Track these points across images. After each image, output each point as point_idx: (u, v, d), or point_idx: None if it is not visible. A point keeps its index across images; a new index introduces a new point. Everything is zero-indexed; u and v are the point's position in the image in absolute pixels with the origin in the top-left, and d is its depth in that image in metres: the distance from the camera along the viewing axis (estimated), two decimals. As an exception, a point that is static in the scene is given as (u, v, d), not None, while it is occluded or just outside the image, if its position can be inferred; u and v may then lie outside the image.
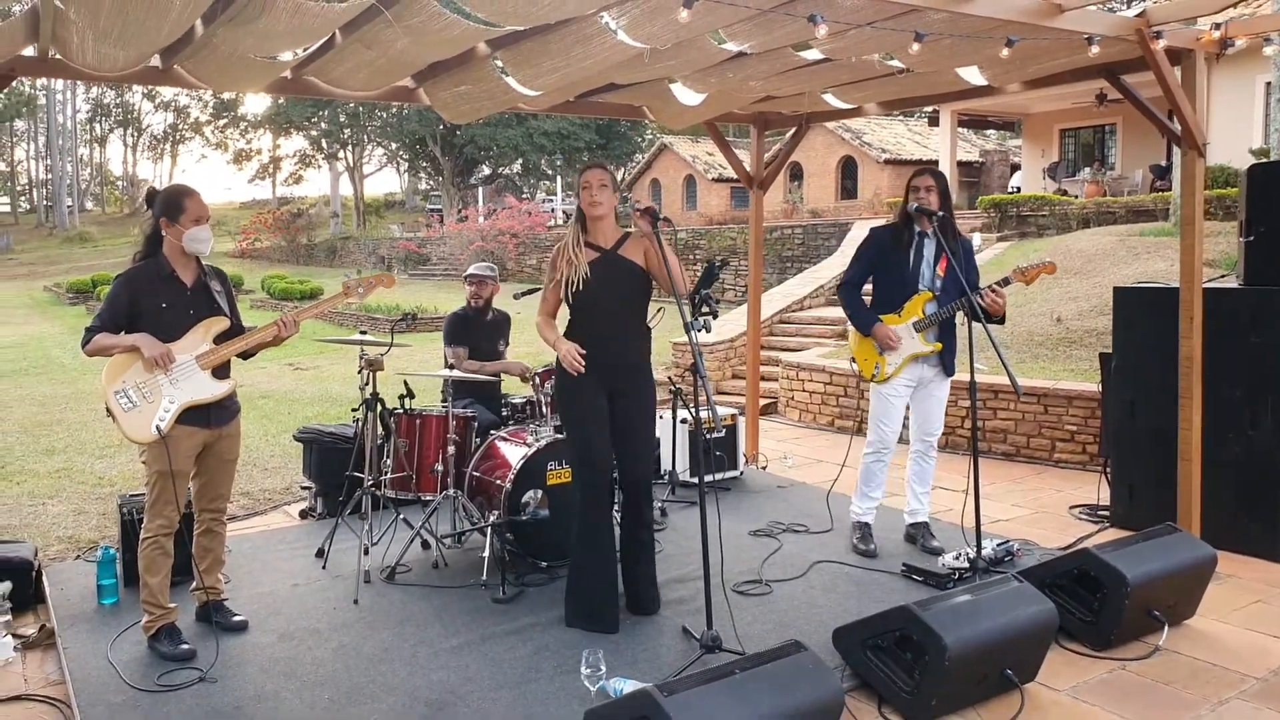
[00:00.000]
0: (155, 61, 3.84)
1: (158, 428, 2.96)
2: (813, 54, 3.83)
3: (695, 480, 5.03)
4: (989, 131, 25.14)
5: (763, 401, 7.30)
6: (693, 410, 4.68)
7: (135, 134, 51.36)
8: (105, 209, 52.68)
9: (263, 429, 7.15)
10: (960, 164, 19.13)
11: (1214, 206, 10.70)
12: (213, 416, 3.13)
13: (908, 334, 4.01)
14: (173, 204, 3.04)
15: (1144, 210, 11.84)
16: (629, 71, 3.95)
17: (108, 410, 2.95)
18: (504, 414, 4.31)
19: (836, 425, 7.09)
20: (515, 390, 4.92)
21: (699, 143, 28.18)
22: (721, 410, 5.14)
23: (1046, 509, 5.02)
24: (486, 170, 36.11)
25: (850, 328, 4.18)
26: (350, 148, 38.90)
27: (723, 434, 5.23)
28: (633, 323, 3.32)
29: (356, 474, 3.91)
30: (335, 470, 4.47)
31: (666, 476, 5.04)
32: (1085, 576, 3.28)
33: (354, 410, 4.00)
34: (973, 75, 4.34)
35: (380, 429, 4.01)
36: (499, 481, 3.78)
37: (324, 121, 35.80)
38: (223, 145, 47.51)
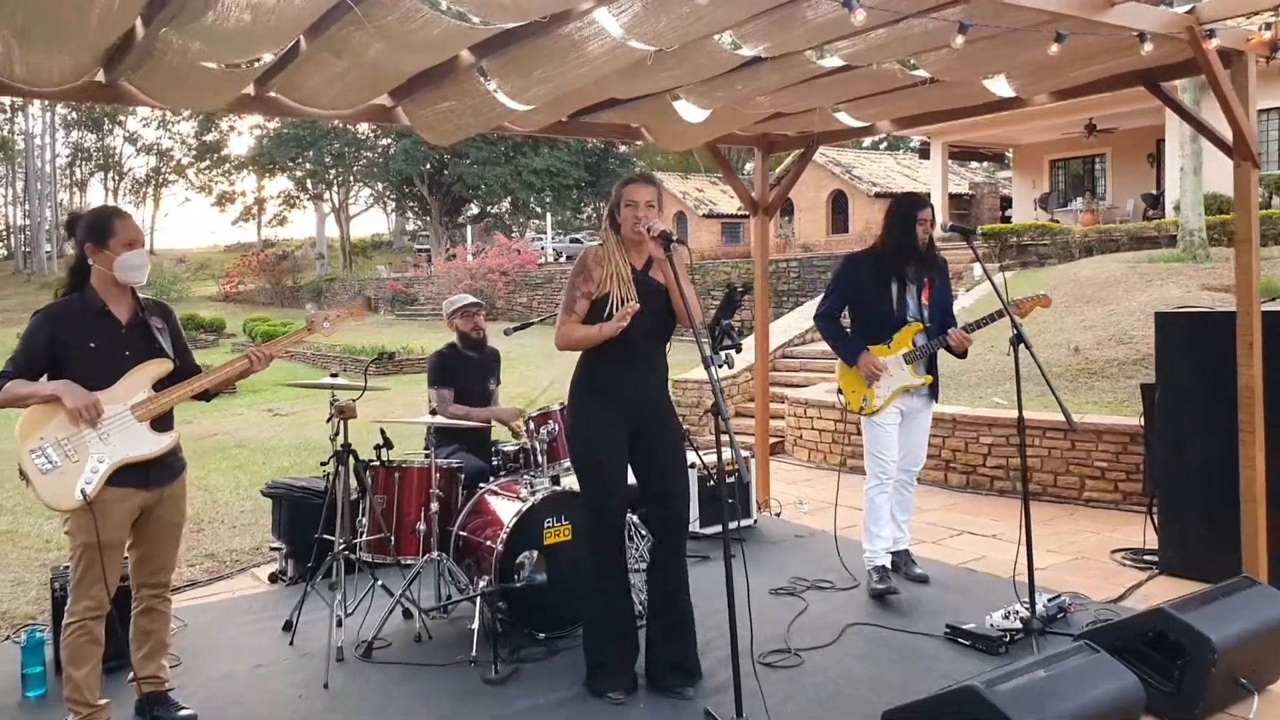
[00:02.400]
0: (100, 76, 3.48)
1: (83, 492, 2.51)
2: (830, 61, 3.50)
3: (708, 532, 4.63)
4: (973, 163, 25.25)
5: (770, 439, 6.88)
6: (701, 455, 4.28)
7: (116, 178, 51.03)
8: (87, 254, 52.02)
9: (235, 481, 6.64)
10: (950, 196, 19.05)
11: (1218, 233, 10.52)
12: (152, 475, 2.69)
13: (897, 366, 3.81)
14: (99, 227, 2.63)
15: (1146, 237, 11.64)
16: (629, 82, 3.61)
17: (21, 473, 2.50)
18: (494, 463, 3.86)
19: (849, 465, 6.66)
20: (507, 436, 4.48)
21: (689, 179, 28.19)
22: (731, 453, 4.70)
23: (1086, 554, 4.60)
24: (475, 209, 36.00)
25: (837, 359, 3.97)
26: (336, 188, 38.75)
27: (733, 479, 4.80)
28: (658, 353, 3.01)
29: (327, 536, 3.44)
30: (307, 529, 4.00)
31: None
32: (1163, 640, 2.86)
33: (323, 464, 3.55)
34: (1000, 86, 4.03)
35: (356, 484, 3.56)
36: (489, 543, 3.32)
37: (309, 162, 35.66)
38: (207, 188, 47.22)
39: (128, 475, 2.62)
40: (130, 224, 2.69)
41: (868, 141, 35.71)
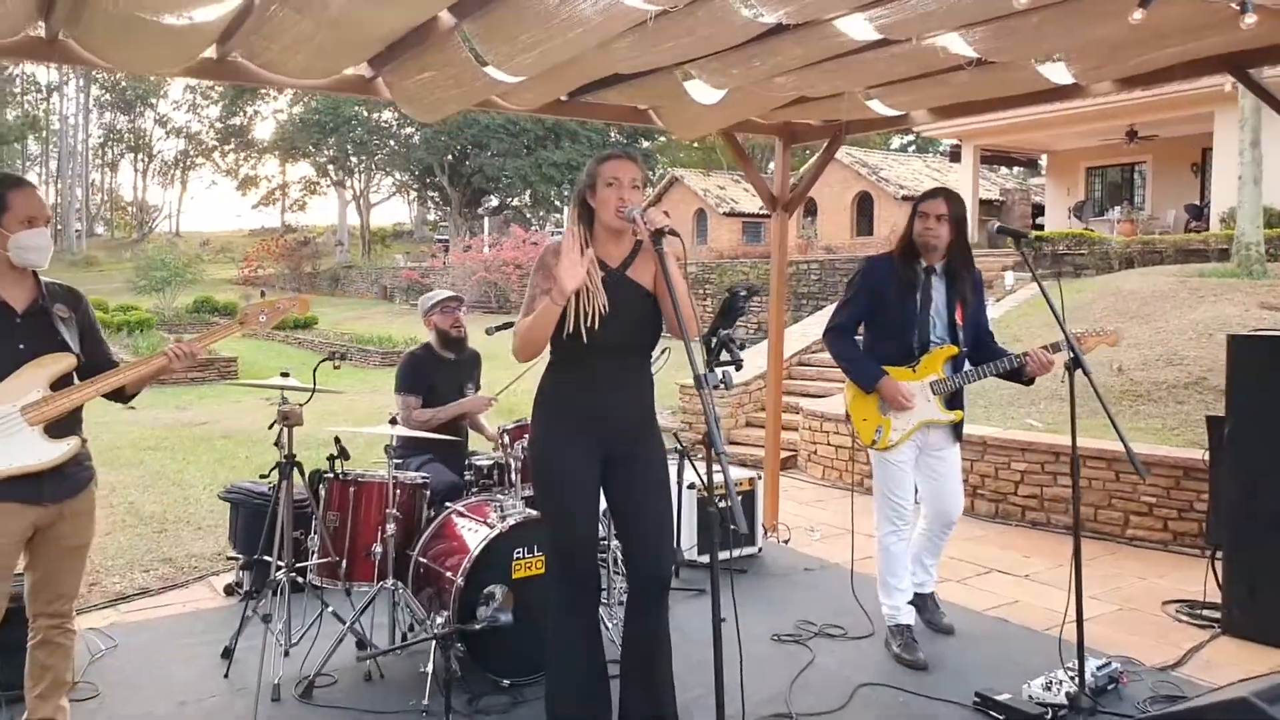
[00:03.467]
0: (42, 31, 3.11)
1: (-48, 508, 2.12)
2: (861, 31, 3.02)
3: (705, 560, 4.15)
4: (1002, 168, 24.51)
5: (781, 454, 6.41)
6: (703, 477, 3.84)
7: (146, 159, 51.43)
8: (114, 234, 52.67)
9: (210, 476, 6.27)
10: (980, 202, 18.41)
11: (1273, 248, 9.88)
12: (46, 489, 2.29)
13: (923, 395, 3.21)
14: None
15: (1193, 250, 10.99)
16: (632, 54, 3.16)
17: None
18: (466, 478, 3.44)
19: (866, 485, 6.18)
20: (485, 446, 4.05)
21: (710, 176, 27.69)
22: (738, 473, 4.25)
23: (1133, 603, 4.09)
24: (495, 201, 35.77)
25: (847, 380, 3.37)
26: (357, 175, 38.70)
27: (737, 500, 4.32)
28: (638, 367, 2.52)
29: (266, 558, 3.03)
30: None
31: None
32: (1244, 735, 2.37)
33: (263, 476, 3.15)
34: (1056, 72, 3.53)
35: (312, 500, 3.16)
36: (449, 574, 2.90)
37: (331, 148, 35.61)
38: (233, 172, 47.39)
39: (15, 489, 2.23)
40: (30, 196, 2.30)
41: (896, 143, 35.05)
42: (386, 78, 3.66)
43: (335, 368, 3.07)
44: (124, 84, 45.05)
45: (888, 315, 3.25)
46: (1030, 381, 3.23)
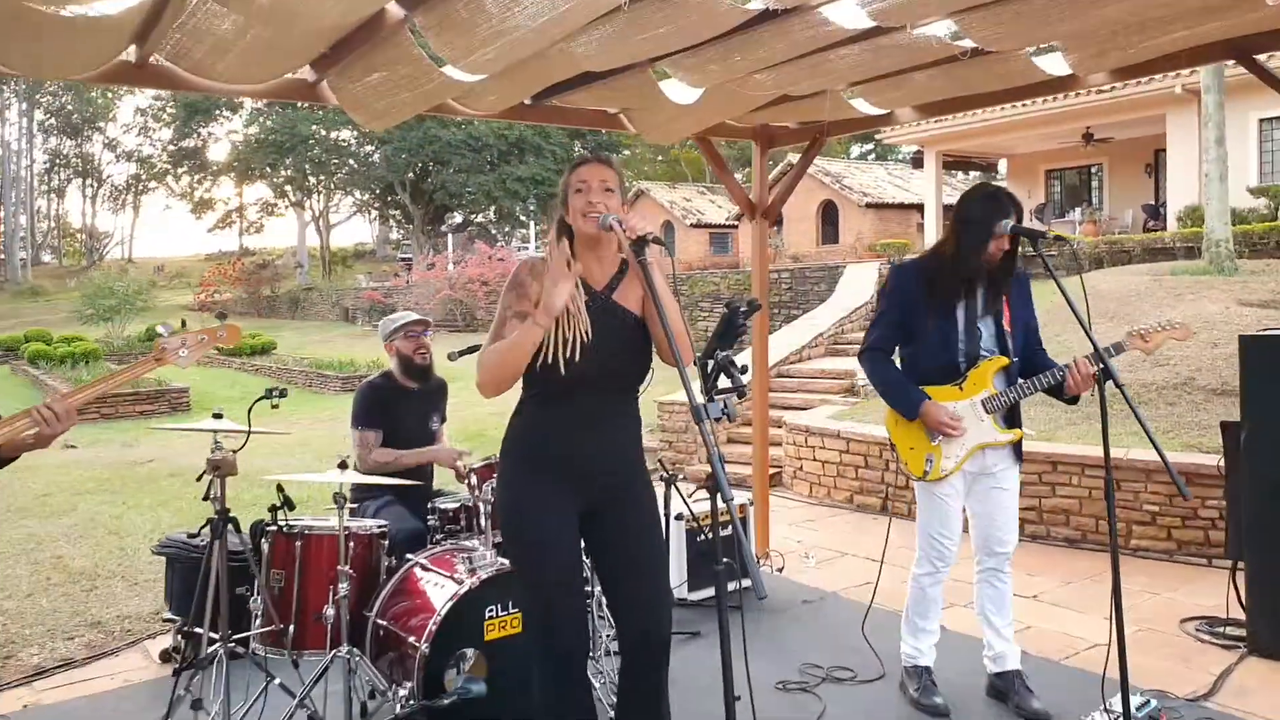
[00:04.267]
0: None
1: None
2: (852, 18, 2.77)
3: (697, 597, 3.84)
4: (959, 174, 24.77)
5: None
6: (690, 503, 3.53)
7: (95, 185, 50.00)
8: (63, 261, 51.08)
9: (152, 522, 5.76)
10: (945, 208, 18.52)
11: (1240, 244, 9.92)
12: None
13: (974, 415, 2.82)
14: None
15: (1160, 249, 11.03)
16: (603, 49, 2.87)
17: None
18: (430, 522, 3.08)
19: (856, 502, 5.92)
20: (454, 487, 3.70)
21: (676, 188, 27.64)
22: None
23: (1149, 622, 3.86)
24: (458, 218, 35.34)
25: (885, 404, 2.99)
26: (316, 195, 38.01)
27: (727, 530, 4.00)
28: (624, 405, 2.18)
29: (196, 629, 2.63)
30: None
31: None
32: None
33: (192, 536, 2.76)
34: (1053, 63, 3.32)
35: (254, 560, 2.78)
36: (412, 638, 2.54)
37: (288, 168, 34.92)
38: (188, 195, 46.23)
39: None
40: None
41: (856, 151, 35.38)
42: (332, 82, 3.33)
43: (274, 406, 2.70)
44: (70, 107, 43.82)
45: (927, 329, 2.85)
46: (1074, 400, 2.86)
